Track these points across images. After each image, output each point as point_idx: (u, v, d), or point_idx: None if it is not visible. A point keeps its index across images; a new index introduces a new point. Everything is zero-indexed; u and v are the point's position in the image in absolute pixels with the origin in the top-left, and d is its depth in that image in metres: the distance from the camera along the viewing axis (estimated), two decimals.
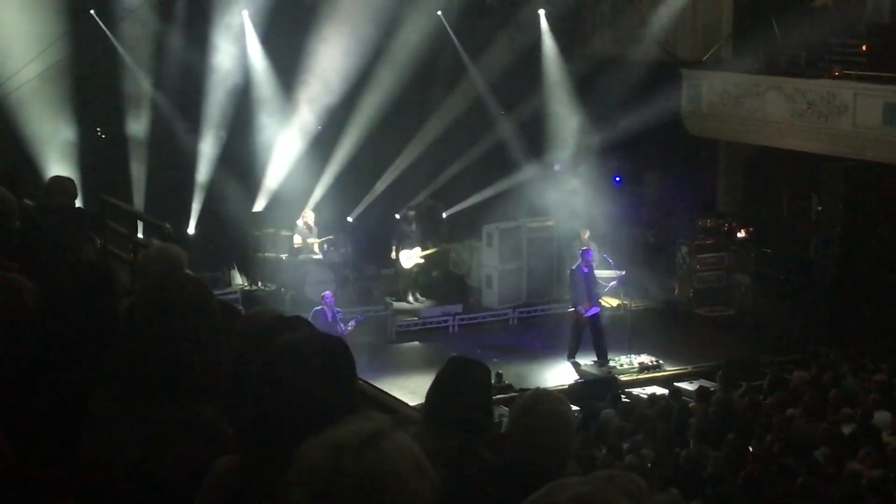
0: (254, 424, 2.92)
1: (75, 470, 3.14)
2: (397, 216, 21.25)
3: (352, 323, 17.35)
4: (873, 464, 10.64)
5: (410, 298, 20.81)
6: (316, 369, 2.86)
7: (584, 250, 18.37)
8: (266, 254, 20.25)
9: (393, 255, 20.78)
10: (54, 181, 8.35)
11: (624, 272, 18.87)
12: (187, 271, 5.40)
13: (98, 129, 20.09)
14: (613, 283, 18.71)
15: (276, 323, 3.98)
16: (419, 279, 21.18)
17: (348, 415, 2.15)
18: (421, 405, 4.27)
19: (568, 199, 21.28)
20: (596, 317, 18.04)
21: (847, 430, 11.93)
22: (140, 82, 19.94)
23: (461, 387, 4.03)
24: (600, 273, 18.71)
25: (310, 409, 2.78)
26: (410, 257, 20.67)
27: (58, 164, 18.12)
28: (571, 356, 18.11)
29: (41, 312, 3.67)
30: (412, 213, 21.10)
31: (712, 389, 14.77)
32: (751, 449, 11.54)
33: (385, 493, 1.97)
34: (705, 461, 11.01)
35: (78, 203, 8.86)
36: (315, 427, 2.11)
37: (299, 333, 2.95)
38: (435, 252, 21.07)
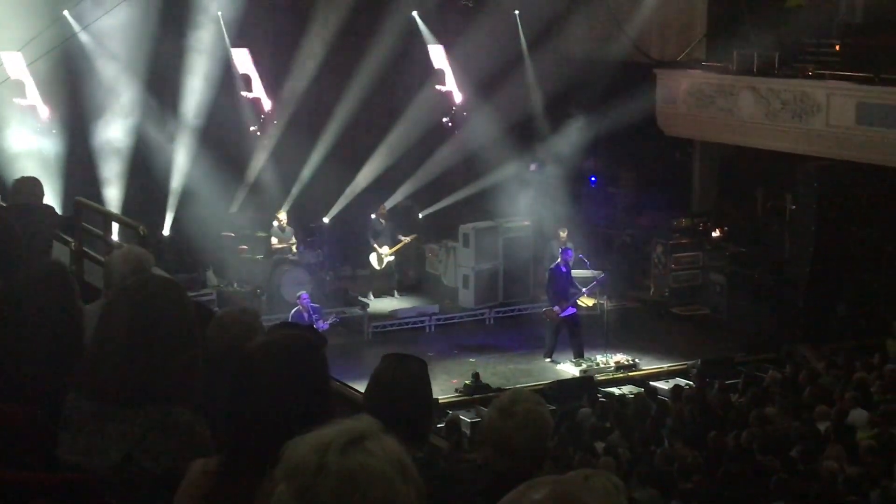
0: (229, 426, 2.93)
1: (52, 473, 3.12)
2: (372, 216, 21.28)
3: (327, 322, 17.40)
4: (845, 461, 10.71)
5: (396, 294, 21.34)
6: (288, 371, 2.87)
7: (563, 249, 18.39)
8: (241, 255, 20.19)
9: (372, 252, 21.01)
10: (20, 181, 8.35)
11: (602, 274, 18.85)
12: (161, 273, 5.39)
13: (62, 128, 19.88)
14: (591, 285, 18.68)
15: (257, 324, 3.98)
16: (395, 275, 21.47)
17: (322, 416, 2.16)
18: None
19: (544, 199, 21.31)
20: (573, 316, 18.06)
21: (822, 427, 12.01)
22: (115, 84, 19.79)
23: (398, 383, 3.96)
24: (578, 274, 18.70)
25: (283, 410, 2.79)
26: (381, 258, 20.85)
27: (33, 166, 17.94)
28: (548, 355, 18.14)
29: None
30: (384, 210, 21.23)
31: (687, 388, 14.84)
32: (728, 446, 11.60)
33: (368, 491, 1.99)
34: (681, 460, 11.05)
35: (51, 204, 8.82)
36: (289, 428, 2.12)
37: (273, 335, 2.96)
38: (403, 244, 21.18)
